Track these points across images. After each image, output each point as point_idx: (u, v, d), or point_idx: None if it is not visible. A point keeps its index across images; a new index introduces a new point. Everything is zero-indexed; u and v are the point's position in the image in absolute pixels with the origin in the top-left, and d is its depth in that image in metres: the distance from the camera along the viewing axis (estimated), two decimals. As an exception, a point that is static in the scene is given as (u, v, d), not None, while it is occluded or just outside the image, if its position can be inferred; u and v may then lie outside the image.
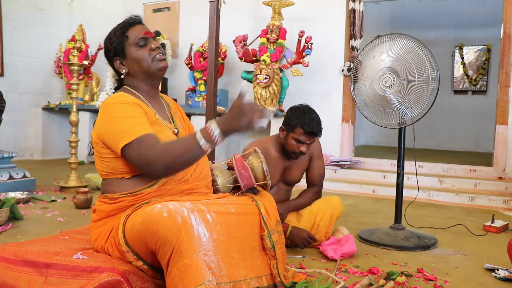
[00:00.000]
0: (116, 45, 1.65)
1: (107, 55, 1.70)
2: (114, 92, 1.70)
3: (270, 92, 4.59)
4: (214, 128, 1.42)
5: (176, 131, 1.70)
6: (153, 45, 1.64)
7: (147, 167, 1.45)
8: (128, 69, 1.67)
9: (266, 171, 1.85)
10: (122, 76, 1.69)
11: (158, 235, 1.32)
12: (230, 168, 1.88)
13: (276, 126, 4.42)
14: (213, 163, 1.90)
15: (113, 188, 1.59)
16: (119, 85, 1.74)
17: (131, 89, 1.67)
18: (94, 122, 1.65)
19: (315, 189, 2.51)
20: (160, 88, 6.00)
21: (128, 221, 1.46)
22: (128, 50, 1.64)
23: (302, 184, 2.62)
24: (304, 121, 2.24)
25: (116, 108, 1.53)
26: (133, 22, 1.67)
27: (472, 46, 7.66)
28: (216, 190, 1.77)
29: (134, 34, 1.64)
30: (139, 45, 1.63)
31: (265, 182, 1.86)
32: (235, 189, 1.83)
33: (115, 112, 1.52)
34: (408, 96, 2.48)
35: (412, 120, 2.52)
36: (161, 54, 1.66)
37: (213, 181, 1.78)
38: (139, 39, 1.63)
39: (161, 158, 1.42)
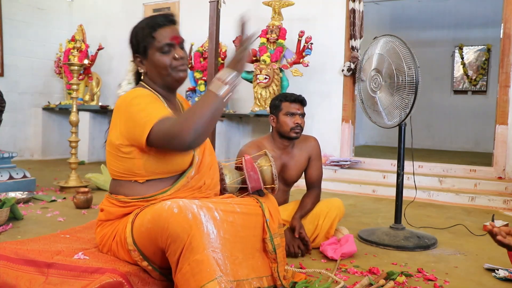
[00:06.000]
0: (140, 43, 1.58)
1: (130, 47, 1.63)
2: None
3: (270, 92, 4.60)
4: (223, 73, 1.40)
5: None
6: (177, 55, 1.57)
7: (177, 139, 1.37)
8: (147, 70, 1.62)
9: (275, 175, 1.83)
10: (141, 75, 1.65)
11: (168, 232, 1.31)
12: (239, 168, 1.86)
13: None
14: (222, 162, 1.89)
15: (124, 190, 1.56)
16: (137, 80, 1.70)
17: (149, 87, 1.62)
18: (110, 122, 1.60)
19: (315, 192, 2.49)
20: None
21: (137, 219, 1.45)
22: (151, 52, 1.57)
23: (301, 184, 2.62)
24: (285, 95, 2.46)
25: (132, 103, 1.50)
26: (163, 22, 1.57)
27: (472, 46, 7.66)
28: (223, 189, 1.76)
29: (161, 37, 1.55)
30: (162, 51, 1.56)
31: (272, 186, 1.84)
32: (242, 189, 1.82)
33: (132, 107, 1.49)
34: (391, 97, 2.49)
35: (399, 120, 2.53)
36: (183, 65, 1.59)
37: (221, 180, 1.76)
38: (165, 44, 1.55)
39: (187, 125, 1.35)
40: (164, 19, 1.58)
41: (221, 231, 1.41)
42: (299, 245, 2.23)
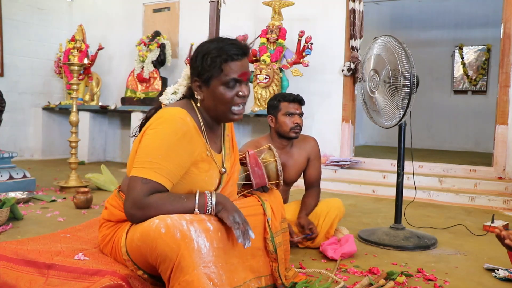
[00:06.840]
0: (205, 71, 1.47)
1: (191, 66, 1.53)
2: (178, 97, 1.58)
3: (270, 92, 4.59)
4: (213, 203, 1.42)
5: (224, 170, 1.60)
6: (241, 92, 1.49)
7: (130, 208, 1.38)
8: (204, 99, 1.52)
9: (280, 170, 1.80)
10: (194, 93, 1.55)
11: (157, 252, 1.29)
12: (242, 163, 1.80)
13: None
14: None
15: None
16: (185, 95, 1.62)
17: (196, 110, 1.54)
18: (147, 117, 1.54)
19: (315, 191, 2.51)
20: (160, 88, 5.98)
21: (129, 232, 1.43)
22: (214, 83, 1.47)
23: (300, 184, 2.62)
24: (283, 95, 2.46)
25: (169, 128, 1.42)
26: (236, 56, 1.47)
27: (472, 46, 7.66)
28: None
29: (230, 71, 1.46)
30: (228, 86, 1.47)
31: (277, 181, 1.82)
32: (246, 185, 1.78)
33: (165, 132, 1.42)
34: (388, 98, 2.49)
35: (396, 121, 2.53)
36: (241, 106, 1.52)
37: None
38: (232, 79, 1.46)
39: (149, 210, 1.36)
40: (237, 51, 1.47)
41: (214, 242, 1.37)
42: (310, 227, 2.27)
